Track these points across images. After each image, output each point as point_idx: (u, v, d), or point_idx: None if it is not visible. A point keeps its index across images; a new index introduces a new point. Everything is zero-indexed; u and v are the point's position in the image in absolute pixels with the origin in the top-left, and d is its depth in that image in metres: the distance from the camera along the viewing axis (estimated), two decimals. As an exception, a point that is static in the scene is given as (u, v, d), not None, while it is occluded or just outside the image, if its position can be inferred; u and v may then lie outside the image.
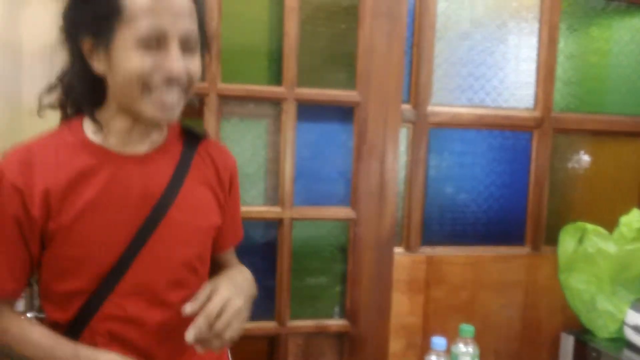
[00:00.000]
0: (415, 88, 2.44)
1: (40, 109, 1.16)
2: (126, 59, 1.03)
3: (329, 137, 2.24)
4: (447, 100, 2.50)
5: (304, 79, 2.13)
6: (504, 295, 2.58)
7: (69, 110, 1.18)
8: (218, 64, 2.05)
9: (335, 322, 2.27)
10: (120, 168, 1.12)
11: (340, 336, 2.27)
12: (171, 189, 1.15)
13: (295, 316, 2.22)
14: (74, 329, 1.13)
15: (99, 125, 1.13)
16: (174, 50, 1.04)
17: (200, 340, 1.04)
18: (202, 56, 1.14)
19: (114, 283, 1.11)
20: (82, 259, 1.09)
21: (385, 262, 2.24)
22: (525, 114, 2.57)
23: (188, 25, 1.06)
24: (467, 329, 1.54)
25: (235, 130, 2.15)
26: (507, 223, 2.64)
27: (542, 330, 2.62)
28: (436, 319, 2.50)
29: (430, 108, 2.45)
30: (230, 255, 1.41)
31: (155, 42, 1.03)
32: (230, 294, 1.08)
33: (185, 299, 1.12)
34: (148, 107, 1.07)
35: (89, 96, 1.13)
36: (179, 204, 1.15)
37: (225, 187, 1.29)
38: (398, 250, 2.44)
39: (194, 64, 1.09)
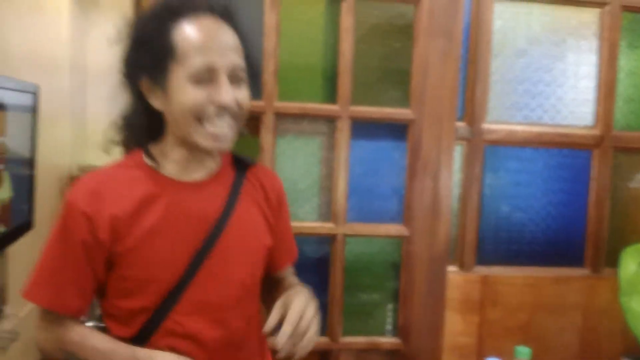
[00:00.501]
0: (470, 105, 2.43)
1: (106, 144, 1.27)
2: (181, 94, 1.11)
3: (383, 154, 2.25)
4: (503, 118, 2.48)
5: (358, 97, 2.15)
6: (562, 318, 2.52)
7: (130, 145, 1.27)
8: (275, 82, 2.10)
9: (388, 340, 2.26)
10: (179, 194, 1.20)
11: (392, 354, 2.26)
12: (225, 213, 1.23)
13: (347, 332, 2.23)
14: (135, 344, 1.19)
15: (155, 159, 1.22)
16: (224, 82, 1.12)
17: (283, 347, 1.09)
18: (254, 86, 1.22)
19: (174, 301, 1.18)
20: (146, 279, 1.17)
21: (439, 280, 2.22)
22: (585, 132, 2.52)
23: (235, 59, 1.14)
24: (524, 350, 1.51)
25: (290, 147, 2.19)
26: (566, 244, 2.59)
27: (601, 354, 2.53)
28: (491, 340, 2.46)
29: (486, 125, 2.44)
30: (288, 274, 1.46)
31: (207, 77, 1.11)
32: (304, 304, 1.14)
33: (240, 317, 1.23)
34: (202, 138, 1.14)
35: (147, 131, 1.23)
36: (232, 226, 1.22)
37: (274, 208, 1.35)
38: (452, 268, 2.42)
39: (243, 94, 1.17)
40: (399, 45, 2.21)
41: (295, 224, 2.16)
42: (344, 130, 2.15)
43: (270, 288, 1.38)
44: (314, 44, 2.18)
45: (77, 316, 1.23)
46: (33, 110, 1.82)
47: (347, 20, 2.12)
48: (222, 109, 1.13)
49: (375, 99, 2.20)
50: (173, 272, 1.17)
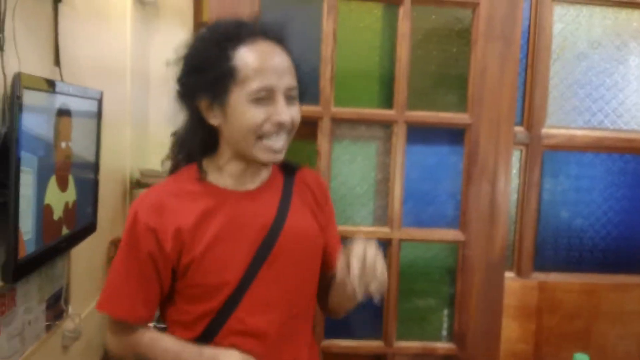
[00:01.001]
0: (529, 110, 2.40)
1: (163, 160, 1.36)
2: (241, 114, 1.20)
3: (439, 159, 2.25)
4: (562, 123, 2.44)
5: (414, 102, 2.15)
6: (623, 327, 2.45)
7: (180, 157, 1.36)
8: (332, 88, 2.12)
9: (443, 345, 2.25)
10: (237, 204, 1.28)
11: (447, 359, 2.25)
12: (279, 217, 1.31)
13: (402, 337, 2.23)
14: (199, 344, 1.26)
15: (209, 173, 1.30)
16: (281, 102, 1.21)
17: (359, 278, 1.13)
18: (302, 98, 1.30)
19: (237, 301, 1.25)
20: (212, 285, 1.24)
21: (495, 286, 2.20)
22: (647, 137, 2.46)
23: (290, 80, 1.23)
24: (582, 358, 1.49)
25: (347, 152, 2.21)
26: (628, 250, 2.52)
27: (665, 365, 2.47)
28: (548, 347, 2.42)
29: (545, 130, 2.40)
30: None
31: (265, 97, 1.20)
32: (364, 243, 1.18)
33: (298, 314, 1.31)
34: (260, 153, 1.24)
35: (201, 147, 1.31)
36: (287, 229, 1.30)
37: (323, 208, 1.43)
38: (509, 274, 2.39)
39: (295, 111, 1.26)
40: (456, 49, 2.20)
41: (351, 228, 2.18)
42: (400, 135, 2.15)
43: (326, 289, 1.43)
44: (370, 49, 2.19)
45: (143, 324, 1.29)
46: (97, 116, 1.89)
47: (404, 26, 2.12)
48: (280, 127, 1.21)
49: (432, 104, 2.19)
50: (235, 276, 1.24)
